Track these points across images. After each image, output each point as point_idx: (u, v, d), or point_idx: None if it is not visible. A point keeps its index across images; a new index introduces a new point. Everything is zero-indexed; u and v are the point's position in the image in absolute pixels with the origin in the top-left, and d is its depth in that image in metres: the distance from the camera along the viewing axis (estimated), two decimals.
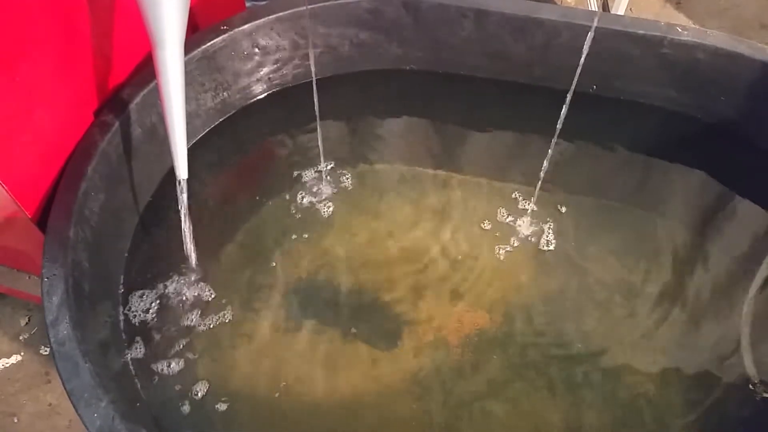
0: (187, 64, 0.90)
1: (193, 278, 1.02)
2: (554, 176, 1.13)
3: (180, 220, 0.97)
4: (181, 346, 0.96)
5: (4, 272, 1.16)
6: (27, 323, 1.34)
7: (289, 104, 1.24)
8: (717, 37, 1.14)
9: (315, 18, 1.17)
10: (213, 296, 1.01)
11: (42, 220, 0.91)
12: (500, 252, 1.08)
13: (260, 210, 1.13)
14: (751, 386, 0.95)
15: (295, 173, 1.16)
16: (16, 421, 1.23)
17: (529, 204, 1.12)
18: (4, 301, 1.35)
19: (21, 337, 1.33)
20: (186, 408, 0.91)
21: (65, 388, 0.76)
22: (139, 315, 0.97)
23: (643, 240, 1.10)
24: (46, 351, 1.30)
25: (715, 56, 1.14)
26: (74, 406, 0.75)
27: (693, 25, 1.94)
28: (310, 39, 1.16)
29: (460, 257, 1.08)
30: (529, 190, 1.13)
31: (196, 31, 1.14)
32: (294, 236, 1.09)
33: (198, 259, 1.03)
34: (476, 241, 1.09)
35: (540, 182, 1.11)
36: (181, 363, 0.94)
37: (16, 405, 1.25)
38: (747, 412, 0.94)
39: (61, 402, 1.25)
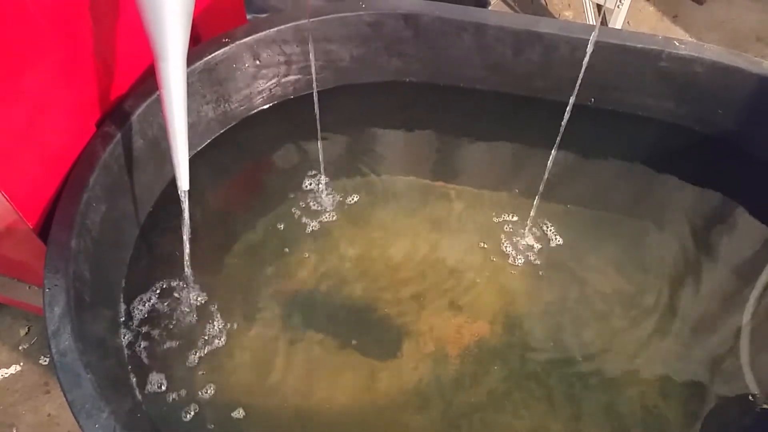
0: (188, 75, 0.90)
1: (193, 289, 1.02)
2: (553, 188, 1.13)
3: (181, 231, 0.97)
4: (182, 356, 0.96)
5: (5, 283, 1.16)
6: (26, 333, 1.34)
7: (289, 116, 1.24)
8: (714, 51, 1.15)
9: (316, 31, 1.18)
10: (213, 307, 1.01)
11: (44, 231, 0.91)
12: (500, 263, 1.08)
13: (261, 221, 1.13)
14: (750, 397, 0.95)
15: (296, 185, 1.16)
16: (14, 431, 1.23)
17: (528, 215, 1.13)
18: (4, 311, 1.35)
19: (20, 348, 1.33)
20: (186, 419, 0.91)
21: (66, 399, 0.76)
22: (140, 325, 0.97)
23: (643, 251, 1.11)
24: (45, 361, 1.30)
25: (713, 69, 1.15)
26: (75, 417, 0.75)
27: (690, 39, 1.95)
28: (311, 51, 1.16)
29: (459, 268, 1.08)
30: (528, 201, 1.14)
31: (197, 44, 1.15)
32: (294, 247, 1.09)
33: (198, 269, 1.03)
34: (476, 252, 1.10)
35: (539, 193, 1.12)
36: (182, 374, 0.94)
37: (15, 415, 1.25)
38: (746, 423, 0.94)
39: (61, 413, 1.25)
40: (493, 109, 1.28)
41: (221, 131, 1.21)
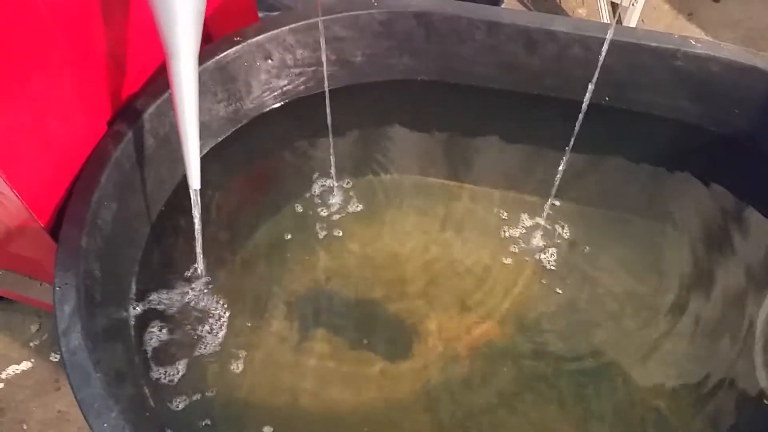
0: (200, 74, 0.90)
1: (204, 287, 1.02)
2: (566, 187, 1.13)
3: (192, 230, 0.97)
4: (192, 355, 0.96)
5: (16, 279, 1.17)
6: (37, 330, 1.35)
7: (301, 115, 1.24)
8: (731, 50, 1.14)
9: (327, 29, 1.18)
10: (224, 306, 1.01)
11: (55, 229, 0.91)
12: (511, 263, 1.08)
13: (272, 220, 1.13)
14: (765, 401, 0.94)
15: (307, 183, 1.16)
16: (25, 428, 1.24)
17: (541, 215, 1.12)
18: (15, 307, 1.36)
19: (31, 344, 1.33)
20: (196, 418, 0.91)
21: (76, 398, 0.76)
22: (150, 324, 0.98)
23: (655, 252, 1.10)
24: (56, 358, 1.31)
25: (729, 69, 1.14)
26: (85, 416, 0.75)
27: (705, 37, 1.94)
28: (323, 50, 1.16)
29: (470, 268, 1.07)
30: (541, 201, 1.13)
31: (209, 42, 1.15)
32: (305, 246, 1.09)
33: (209, 268, 1.03)
34: (487, 252, 1.09)
35: (552, 193, 1.11)
36: (192, 372, 0.95)
37: (26, 412, 1.25)
38: (759, 427, 0.93)
39: (71, 409, 1.25)
40: (505, 108, 1.27)
41: (233, 130, 1.20)
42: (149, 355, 0.95)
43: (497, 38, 1.19)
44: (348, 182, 1.17)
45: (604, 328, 1.01)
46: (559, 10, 2.03)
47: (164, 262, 1.04)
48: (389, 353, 0.99)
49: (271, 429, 0.92)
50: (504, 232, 1.11)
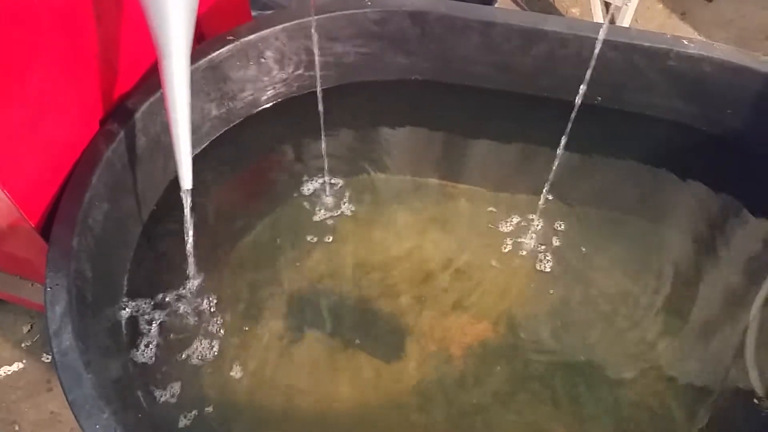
0: (192, 73, 0.89)
1: (196, 288, 1.01)
2: (559, 187, 1.13)
3: (184, 230, 0.97)
4: (184, 356, 0.96)
5: (7, 280, 1.16)
6: (29, 330, 1.34)
7: (294, 114, 1.24)
8: (723, 50, 1.14)
9: (321, 28, 1.18)
10: (216, 307, 1.01)
11: (46, 229, 0.91)
12: (505, 263, 1.08)
13: (264, 220, 1.13)
14: (755, 400, 0.94)
15: (300, 183, 1.16)
16: (17, 429, 1.23)
17: (534, 215, 1.12)
18: (7, 308, 1.35)
19: (23, 345, 1.33)
20: (188, 420, 0.90)
21: (67, 399, 0.76)
22: (142, 325, 0.97)
23: (648, 252, 1.10)
24: (48, 358, 1.30)
25: (722, 69, 1.14)
26: (76, 417, 0.75)
27: (698, 36, 1.94)
28: (316, 49, 1.16)
29: (464, 268, 1.07)
30: (534, 200, 1.13)
31: (202, 41, 1.14)
32: (297, 247, 1.09)
33: (201, 269, 1.02)
34: (481, 252, 1.09)
35: (545, 193, 1.11)
36: (184, 374, 0.94)
37: (17, 413, 1.25)
38: (751, 427, 0.93)
39: (63, 410, 1.25)
40: (499, 107, 1.27)
41: (225, 129, 1.20)
42: (141, 355, 0.94)
43: (491, 38, 1.19)
44: (341, 182, 1.16)
45: (598, 328, 1.01)
46: (552, 10, 2.03)
47: (156, 263, 1.04)
48: (384, 354, 0.99)
49: (264, 429, 0.91)
50: (498, 232, 1.11)
